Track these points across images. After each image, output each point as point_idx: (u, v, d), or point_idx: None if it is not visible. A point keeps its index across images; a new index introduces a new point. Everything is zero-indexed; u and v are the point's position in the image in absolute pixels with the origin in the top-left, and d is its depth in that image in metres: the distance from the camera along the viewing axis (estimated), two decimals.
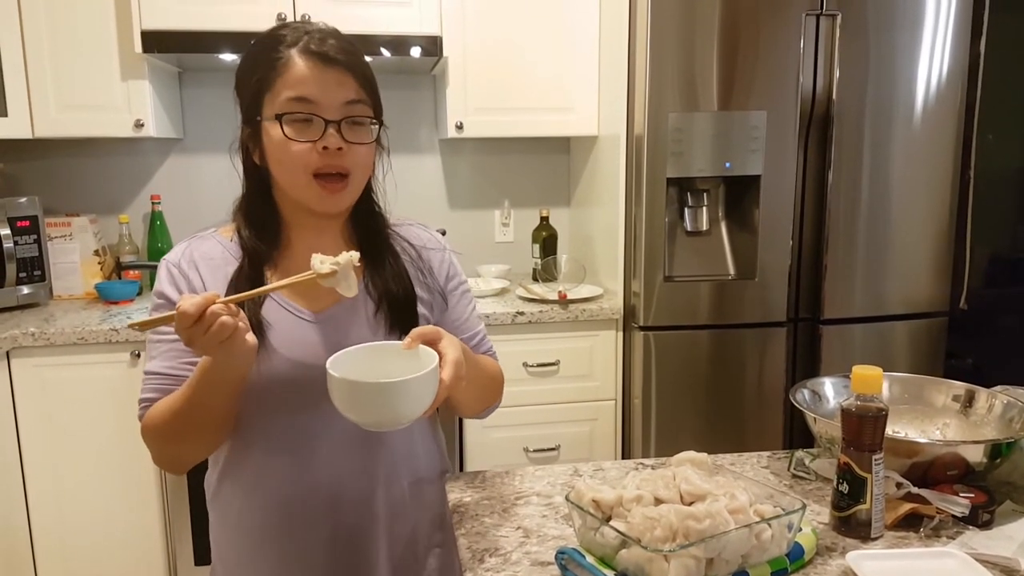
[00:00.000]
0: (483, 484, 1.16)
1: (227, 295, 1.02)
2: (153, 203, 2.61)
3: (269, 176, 1.08)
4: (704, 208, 2.30)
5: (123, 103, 2.30)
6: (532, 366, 2.32)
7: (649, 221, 2.20)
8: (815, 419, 1.13)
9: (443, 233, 1.31)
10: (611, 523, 0.88)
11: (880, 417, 0.96)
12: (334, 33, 1.06)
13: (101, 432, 2.13)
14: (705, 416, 2.27)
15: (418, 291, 1.14)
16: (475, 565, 0.93)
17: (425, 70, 2.74)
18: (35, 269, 2.33)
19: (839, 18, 2.14)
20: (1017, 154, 2.64)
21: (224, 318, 0.86)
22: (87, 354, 2.09)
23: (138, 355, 2.11)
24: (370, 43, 2.29)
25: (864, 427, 0.96)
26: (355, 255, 0.95)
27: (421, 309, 1.13)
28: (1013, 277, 2.66)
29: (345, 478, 1.08)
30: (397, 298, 1.10)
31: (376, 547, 1.11)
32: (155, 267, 2.48)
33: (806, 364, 2.31)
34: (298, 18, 2.25)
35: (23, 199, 2.32)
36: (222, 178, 2.63)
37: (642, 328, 2.24)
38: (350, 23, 2.23)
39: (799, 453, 1.23)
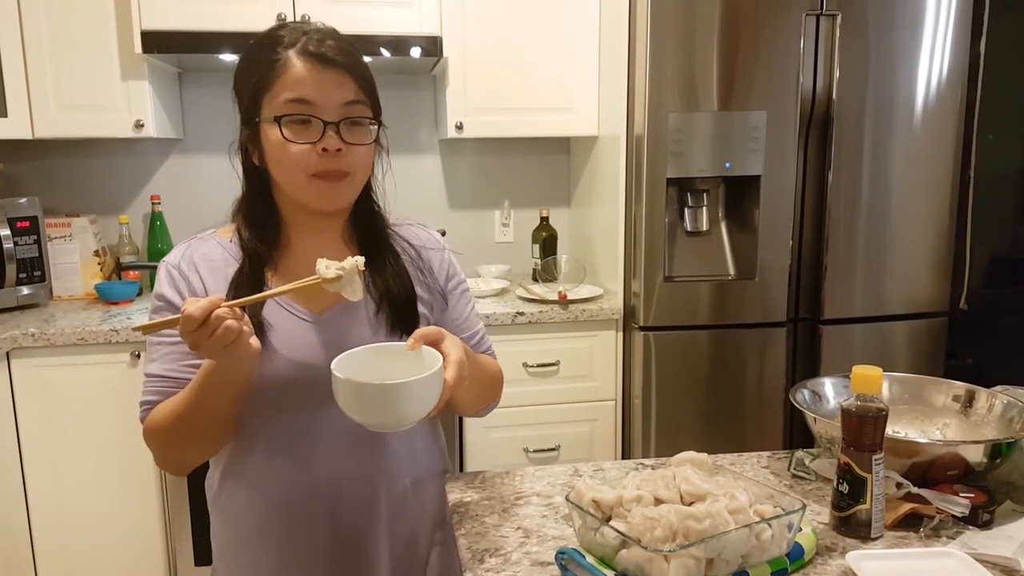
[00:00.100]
0: (483, 484, 1.16)
1: (228, 296, 1.03)
2: (153, 203, 2.61)
3: (269, 177, 1.08)
4: (704, 208, 2.30)
5: (123, 103, 2.30)
6: (532, 366, 2.32)
7: (649, 221, 2.20)
8: (815, 419, 1.13)
9: (443, 233, 1.31)
10: (611, 523, 0.88)
11: (880, 417, 0.96)
12: (332, 33, 1.06)
13: (101, 432, 2.13)
14: (705, 416, 2.27)
15: (418, 291, 1.14)
16: (475, 565, 0.93)
17: (425, 70, 2.74)
18: (35, 270, 2.33)
19: (839, 18, 2.14)
20: (1017, 154, 2.64)
21: (229, 322, 0.86)
22: (87, 354, 2.09)
23: (138, 356, 2.11)
24: (370, 43, 2.29)
25: (864, 427, 0.96)
26: (360, 260, 0.95)
27: (421, 309, 1.14)
28: (1013, 277, 2.66)
29: (347, 478, 1.08)
30: (398, 298, 1.11)
31: (378, 547, 1.11)
32: (155, 267, 2.47)
33: (806, 364, 2.31)
34: (298, 18, 2.25)
35: (23, 199, 2.32)
36: (222, 178, 2.63)
37: (642, 328, 2.24)
38: (350, 23, 2.23)
39: (799, 453, 1.23)
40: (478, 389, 1.13)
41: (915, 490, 1.01)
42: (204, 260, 1.09)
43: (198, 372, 0.98)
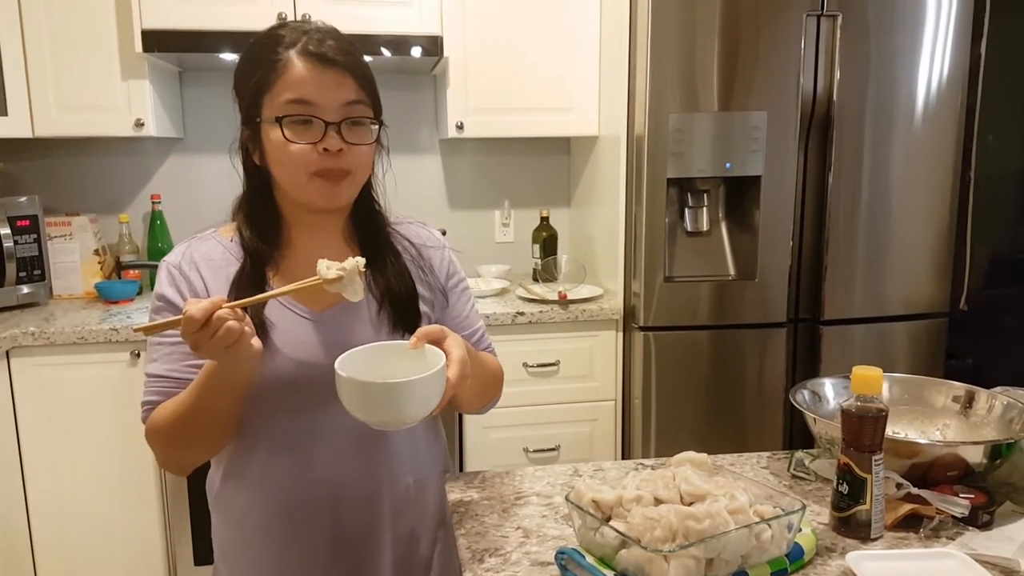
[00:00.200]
0: (483, 484, 1.16)
1: (229, 296, 1.03)
2: (153, 203, 2.61)
3: (269, 176, 1.08)
4: (704, 208, 2.30)
5: (123, 103, 2.30)
6: (532, 366, 2.32)
7: (649, 221, 2.20)
8: (815, 419, 1.13)
9: (443, 233, 1.31)
10: (611, 523, 0.88)
11: (880, 418, 0.96)
12: (333, 33, 1.05)
13: (101, 432, 2.13)
14: (705, 416, 2.27)
15: (419, 289, 1.14)
16: (475, 565, 0.93)
17: (425, 70, 2.74)
18: (35, 268, 2.33)
19: (840, 19, 2.14)
20: (1017, 155, 2.64)
21: (230, 323, 0.86)
22: (87, 354, 2.09)
23: (138, 355, 2.11)
24: (370, 43, 2.29)
25: (864, 428, 0.96)
26: (361, 261, 0.95)
27: (422, 307, 1.14)
28: (1013, 277, 2.66)
29: (349, 477, 1.08)
30: (399, 297, 1.11)
31: (380, 546, 1.11)
32: (155, 267, 2.47)
33: (806, 364, 2.31)
34: (298, 17, 2.25)
35: (23, 199, 2.32)
36: (222, 178, 2.63)
37: (642, 328, 2.24)
38: (350, 23, 2.23)
39: (799, 454, 1.23)
40: (480, 387, 1.14)
41: (915, 491, 1.01)
42: (205, 260, 1.09)
43: (199, 372, 0.98)
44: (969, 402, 1.21)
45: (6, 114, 2.22)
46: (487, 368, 1.17)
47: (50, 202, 2.57)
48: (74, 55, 2.25)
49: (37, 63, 2.23)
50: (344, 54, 1.03)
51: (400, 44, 2.34)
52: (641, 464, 1.20)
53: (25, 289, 2.32)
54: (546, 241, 2.77)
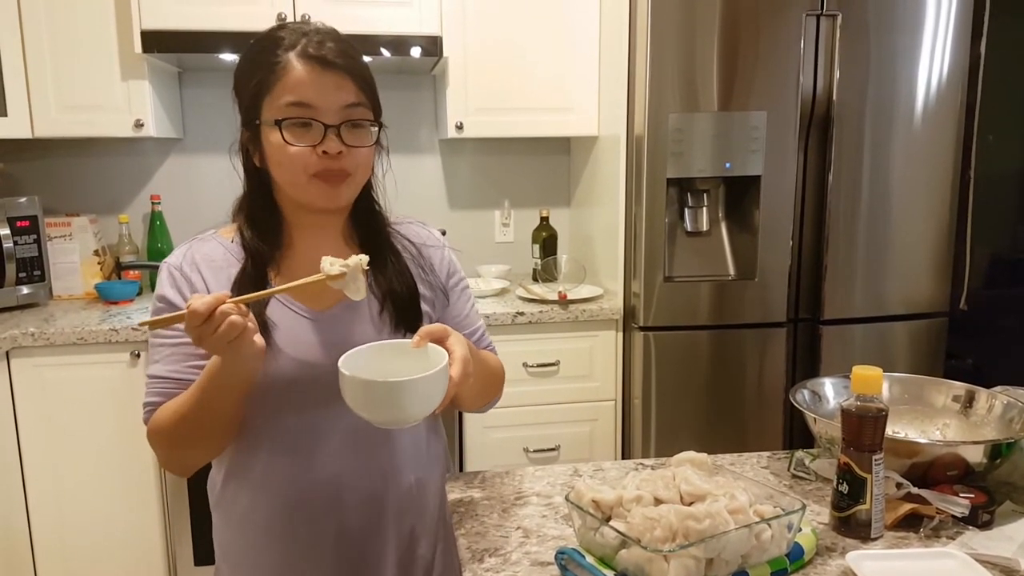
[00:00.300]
0: (483, 484, 1.16)
1: (234, 296, 1.03)
2: (153, 203, 2.61)
3: (270, 177, 1.08)
4: (704, 208, 2.30)
5: (123, 103, 2.30)
6: (532, 366, 2.32)
7: (649, 221, 2.20)
8: (815, 419, 1.13)
9: (443, 233, 1.31)
10: (611, 523, 0.88)
11: (880, 417, 0.96)
12: (332, 35, 1.05)
13: (101, 432, 2.13)
14: (705, 416, 2.27)
15: (420, 288, 1.14)
16: (475, 565, 0.93)
17: (425, 70, 2.74)
18: (35, 269, 2.33)
19: (839, 19, 2.14)
20: (1017, 155, 2.64)
21: (233, 317, 0.87)
22: (87, 354, 2.09)
23: (138, 355, 2.11)
24: (370, 43, 2.29)
25: (864, 427, 0.96)
26: (364, 259, 0.96)
27: (423, 306, 1.14)
28: (1013, 278, 2.66)
29: (351, 476, 1.08)
30: (401, 296, 1.11)
31: (383, 544, 1.11)
32: (155, 267, 2.48)
33: (806, 364, 2.31)
34: (298, 18, 2.25)
35: (23, 199, 2.32)
36: (222, 178, 2.62)
37: (642, 328, 2.24)
38: (350, 23, 2.23)
39: (799, 453, 1.23)
40: (481, 386, 1.14)
41: (915, 490, 1.01)
42: (206, 261, 1.09)
43: (202, 372, 0.98)
44: (969, 402, 1.21)
45: (6, 114, 2.22)
46: (488, 367, 1.17)
47: (50, 202, 2.57)
48: (74, 56, 2.25)
49: (37, 64, 2.23)
50: (344, 56, 1.03)
51: (400, 44, 2.34)
52: (641, 464, 1.20)
53: (25, 290, 2.32)
54: (546, 241, 2.77)
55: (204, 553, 2.19)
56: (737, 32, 2.12)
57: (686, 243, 2.30)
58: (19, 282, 2.30)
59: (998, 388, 1.20)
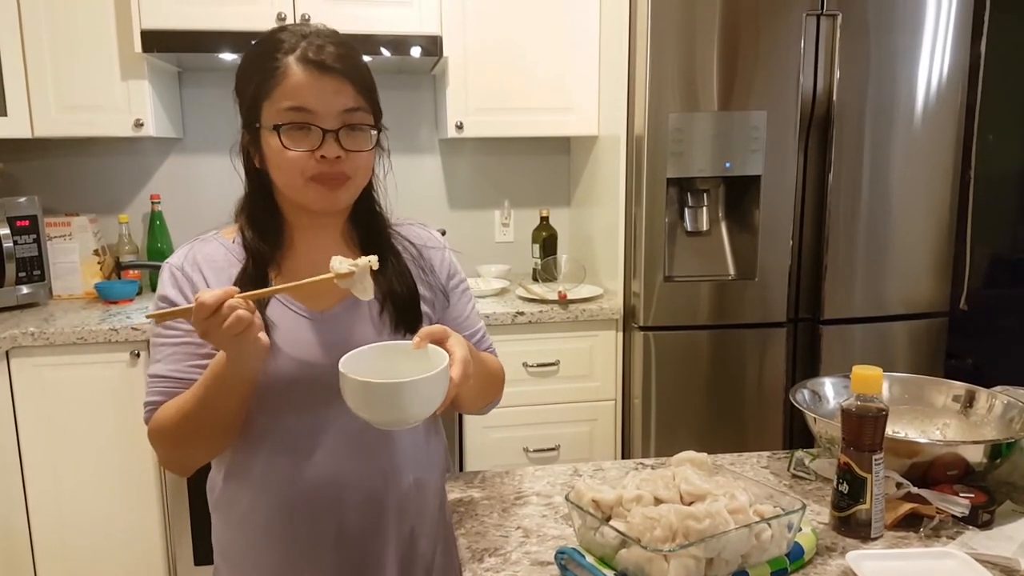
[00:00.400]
0: (483, 484, 1.16)
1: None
2: (153, 203, 2.61)
3: (270, 179, 1.09)
4: (704, 208, 2.30)
5: (123, 103, 2.30)
6: (532, 366, 2.32)
7: (649, 221, 2.20)
8: (815, 419, 1.13)
9: (443, 233, 1.31)
10: (611, 523, 0.88)
11: (880, 417, 0.96)
12: (332, 38, 1.05)
13: (101, 432, 2.13)
14: (705, 416, 2.27)
15: (420, 290, 1.14)
16: (475, 564, 0.93)
17: (425, 70, 2.74)
18: (35, 269, 2.33)
19: (839, 18, 2.14)
20: (1017, 155, 2.64)
21: (241, 311, 0.87)
22: (87, 354, 2.09)
23: (138, 355, 2.11)
24: (370, 43, 2.29)
25: (864, 427, 0.96)
26: (374, 259, 0.96)
27: (424, 308, 1.14)
28: (1013, 277, 2.66)
29: (351, 476, 1.08)
30: (401, 297, 1.11)
31: (384, 545, 1.11)
32: (154, 267, 2.48)
33: (806, 364, 2.31)
34: (298, 18, 2.25)
35: (23, 199, 2.32)
36: (222, 178, 2.63)
37: (642, 328, 2.24)
38: (350, 23, 2.23)
39: (799, 453, 1.23)
40: (481, 387, 1.14)
41: (915, 490, 1.01)
42: (207, 261, 1.09)
43: (205, 371, 0.98)
44: (969, 401, 1.21)
45: (6, 114, 2.22)
46: (488, 368, 1.17)
47: (50, 202, 2.57)
48: (74, 55, 2.25)
49: (37, 63, 2.23)
50: (343, 60, 1.03)
51: (400, 44, 2.34)
52: (641, 464, 1.20)
53: (25, 289, 2.32)
54: (546, 241, 2.77)
55: (204, 553, 2.19)
56: (737, 32, 2.12)
57: (686, 243, 2.30)
58: (19, 282, 2.30)
59: (998, 388, 1.20)
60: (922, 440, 1.13)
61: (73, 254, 2.48)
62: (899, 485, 1.02)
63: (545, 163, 2.93)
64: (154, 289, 1.14)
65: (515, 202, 2.94)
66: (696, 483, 0.91)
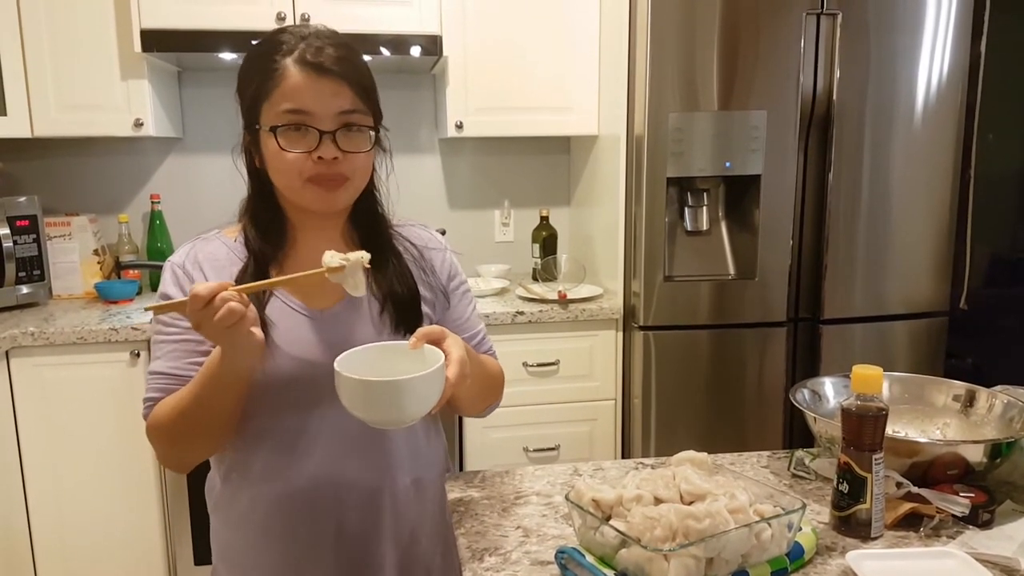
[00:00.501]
0: (483, 484, 1.16)
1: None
2: (153, 203, 2.61)
3: (271, 180, 1.09)
4: (704, 208, 2.30)
5: (123, 102, 2.30)
6: (532, 366, 2.32)
7: (649, 221, 2.20)
8: (815, 419, 1.13)
9: (443, 233, 1.31)
10: (611, 522, 0.88)
11: (880, 417, 0.96)
12: (332, 39, 1.05)
13: (101, 432, 2.13)
14: (705, 416, 2.27)
15: (421, 290, 1.14)
16: (475, 564, 0.93)
17: (425, 70, 2.74)
18: (34, 269, 2.33)
19: (839, 18, 2.14)
20: (1017, 155, 2.64)
21: (233, 304, 0.88)
22: (87, 354, 2.09)
23: (138, 355, 2.11)
24: (370, 42, 2.29)
25: (864, 427, 0.96)
26: (366, 255, 0.96)
27: (424, 308, 1.14)
28: (1013, 277, 2.66)
29: (350, 476, 1.08)
30: (401, 298, 1.11)
31: (382, 544, 1.11)
32: (154, 266, 2.48)
33: (806, 364, 2.31)
34: (298, 18, 2.25)
35: (22, 199, 2.32)
36: (222, 178, 2.64)
37: (642, 328, 2.24)
38: (350, 22, 2.23)
39: (799, 453, 1.22)
40: (479, 388, 1.14)
41: (915, 490, 1.01)
42: (209, 260, 1.10)
43: (201, 368, 0.98)
44: (969, 401, 1.21)
45: (5, 114, 2.22)
46: (487, 370, 1.17)
47: (49, 202, 2.56)
48: (73, 55, 2.25)
49: (36, 63, 2.23)
50: (341, 62, 1.03)
51: (400, 43, 2.34)
52: (641, 463, 1.20)
53: (24, 289, 2.32)
54: (546, 241, 2.77)
55: (204, 553, 2.19)
56: (737, 32, 2.12)
57: (686, 242, 2.30)
58: (19, 282, 2.30)
59: (998, 387, 1.20)
60: (922, 440, 1.13)
61: (73, 254, 2.48)
62: (899, 485, 1.01)
63: (545, 163, 2.93)
64: (154, 289, 1.14)
65: (515, 202, 2.94)
66: (696, 483, 0.91)
